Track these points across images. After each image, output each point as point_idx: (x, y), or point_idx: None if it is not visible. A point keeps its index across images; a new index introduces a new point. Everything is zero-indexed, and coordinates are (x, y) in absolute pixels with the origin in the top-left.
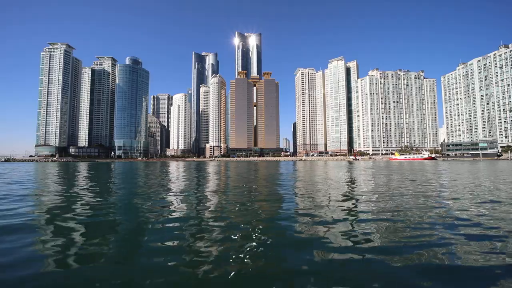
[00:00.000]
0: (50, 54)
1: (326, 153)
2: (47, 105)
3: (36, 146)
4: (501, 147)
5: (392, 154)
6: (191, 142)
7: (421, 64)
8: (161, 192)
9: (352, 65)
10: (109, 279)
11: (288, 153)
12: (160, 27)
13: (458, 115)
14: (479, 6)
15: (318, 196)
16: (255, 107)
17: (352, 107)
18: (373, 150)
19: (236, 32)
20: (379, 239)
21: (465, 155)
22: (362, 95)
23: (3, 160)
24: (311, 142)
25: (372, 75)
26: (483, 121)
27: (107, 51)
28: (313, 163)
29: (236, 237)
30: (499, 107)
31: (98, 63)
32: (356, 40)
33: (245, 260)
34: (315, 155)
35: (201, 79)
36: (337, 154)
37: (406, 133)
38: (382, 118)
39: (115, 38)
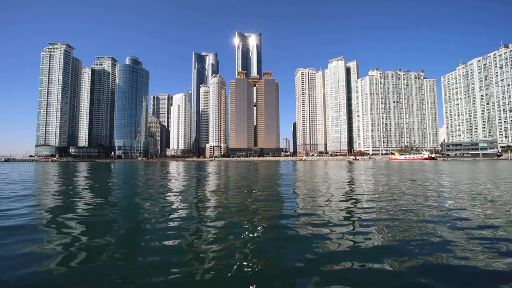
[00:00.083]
0: (50, 54)
1: (326, 153)
2: (47, 105)
3: (36, 146)
4: (501, 147)
5: (392, 154)
6: (191, 142)
7: (421, 64)
8: (161, 192)
9: (352, 65)
10: (109, 276)
11: (288, 153)
12: (160, 27)
13: (458, 115)
14: (479, 6)
15: (318, 196)
16: (255, 107)
17: (352, 107)
18: (373, 150)
19: (236, 32)
20: (379, 238)
21: (465, 155)
22: (362, 95)
23: (3, 160)
24: (311, 142)
25: (372, 75)
26: (483, 121)
27: (107, 51)
28: (313, 163)
29: (236, 237)
30: (499, 107)
31: (98, 63)
32: (356, 40)
33: (245, 260)
34: (315, 155)
35: (201, 79)
36: (337, 154)
37: (406, 133)
38: (382, 118)
39: (115, 38)
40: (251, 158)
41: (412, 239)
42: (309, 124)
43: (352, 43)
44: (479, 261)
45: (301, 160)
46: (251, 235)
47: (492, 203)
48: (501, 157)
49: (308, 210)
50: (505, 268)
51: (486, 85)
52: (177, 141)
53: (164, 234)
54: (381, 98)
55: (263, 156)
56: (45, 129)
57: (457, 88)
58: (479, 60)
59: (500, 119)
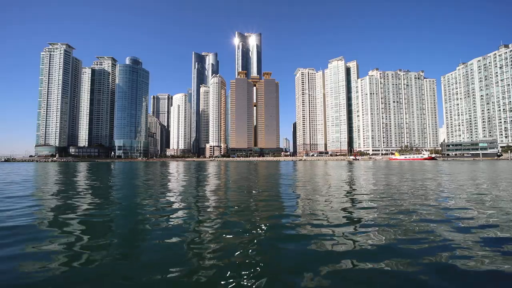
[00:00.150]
0: (50, 54)
1: (326, 153)
2: (47, 105)
3: (36, 146)
4: (501, 147)
5: (392, 154)
6: (191, 142)
7: (421, 64)
8: (161, 192)
9: (352, 65)
10: (110, 276)
11: (288, 153)
12: (160, 27)
13: (458, 115)
14: (479, 6)
15: (318, 196)
16: (255, 107)
17: (352, 107)
18: (373, 150)
19: (236, 32)
20: (379, 238)
21: (465, 155)
22: (362, 95)
23: (3, 160)
24: (311, 142)
25: (372, 75)
26: (483, 121)
27: (107, 51)
28: (313, 163)
29: (236, 237)
30: (499, 107)
31: (98, 63)
32: (356, 40)
33: (245, 260)
34: (315, 155)
35: (201, 79)
36: (337, 154)
37: (406, 133)
38: (382, 118)
39: (115, 38)
40: (251, 158)
41: (413, 239)
42: (309, 124)
43: (352, 43)
44: (480, 261)
45: (301, 160)
46: (251, 235)
47: (492, 203)
48: (501, 157)
49: (308, 210)
50: (506, 269)
51: (486, 85)
52: (177, 141)
53: (164, 233)
54: (381, 98)
55: (263, 156)
56: (45, 129)
57: (457, 88)
58: (479, 60)
59: (500, 119)
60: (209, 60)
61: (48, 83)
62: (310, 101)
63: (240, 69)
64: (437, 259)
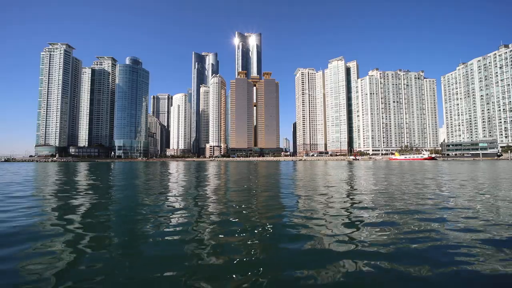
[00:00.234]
0: (50, 54)
1: (326, 153)
2: (47, 105)
3: (36, 146)
4: (501, 147)
5: (392, 154)
6: (191, 142)
7: (421, 64)
8: (162, 192)
9: (352, 65)
10: (110, 276)
11: (288, 153)
12: (160, 27)
13: (458, 115)
14: (479, 6)
15: (319, 196)
16: (255, 107)
17: (352, 107)
18: (373, 150)
19: (236, 32)
20: (379, 238)
21: (465, 155)
22: (362, 95)
23: (3, 160)
24: (311, 142)
25: (372, 75)
26: (483, 121)
27: (107, 51)
28: (313, 163)
29: (236, 237)
30: (499, 107)
31: (98, 63)
32: (356, 40)
33: (245, 259)
34: (315, 155)
35: (201, 79)
36: (337, 154)
37: (406, 133)
38: (382, 118)
39: (115, 38)
40: (251, 158)
41: (413, 238)
42: (309, 124)
43: (352, 43)
44: (481, 261)
45: (301, 160)
46: (251, 234)
47: (492, 203)
48: (501, 157)
49: (308, 210)
50: (506, 269)
51: (486, 85)
52: (177, 141)
53: (164, 233)
54: (381, 98)
55: (263, 156)
56: (45, 129)
57: (457, 88)
58: (479, 60)
59: (500, 119)
60: (209, 60)
61: (48, 83)
62: (310, 101)
63: (240, 69)
64: (437, 259)
